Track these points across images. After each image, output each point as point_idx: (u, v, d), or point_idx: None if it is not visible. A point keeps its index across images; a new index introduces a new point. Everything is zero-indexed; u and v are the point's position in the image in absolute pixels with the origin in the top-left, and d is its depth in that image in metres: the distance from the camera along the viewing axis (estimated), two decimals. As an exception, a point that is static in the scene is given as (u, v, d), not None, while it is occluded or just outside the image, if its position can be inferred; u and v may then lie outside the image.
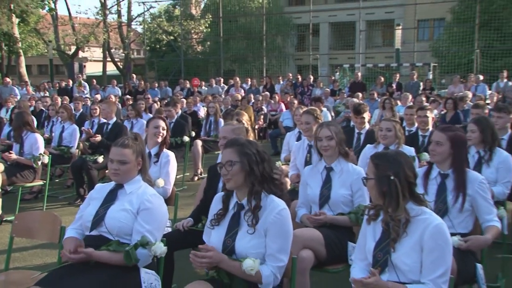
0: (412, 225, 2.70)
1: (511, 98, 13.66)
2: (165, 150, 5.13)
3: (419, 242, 2.67)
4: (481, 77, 16.36)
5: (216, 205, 3.13)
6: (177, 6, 33.33)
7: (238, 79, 19.15)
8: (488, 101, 12.71)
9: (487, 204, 3.56)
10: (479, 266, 3.30)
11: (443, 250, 2.65)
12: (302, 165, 5.18)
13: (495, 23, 24.28)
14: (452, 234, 3.37)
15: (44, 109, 11.67)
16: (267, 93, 16.02)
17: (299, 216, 4.07)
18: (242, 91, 17.75)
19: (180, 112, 9.98)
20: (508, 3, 24.56)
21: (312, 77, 18.34)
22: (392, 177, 2.70)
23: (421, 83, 16.62)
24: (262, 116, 13.94)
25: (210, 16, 30.43)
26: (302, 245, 3.47)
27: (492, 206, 3.59)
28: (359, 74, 18.44)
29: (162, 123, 5.30)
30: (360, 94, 14.11)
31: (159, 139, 5.21)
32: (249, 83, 19.17)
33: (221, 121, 9.63)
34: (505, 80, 15.49)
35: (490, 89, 15.39)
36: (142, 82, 20.29)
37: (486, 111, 7.60)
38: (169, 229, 4.19)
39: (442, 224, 2.70)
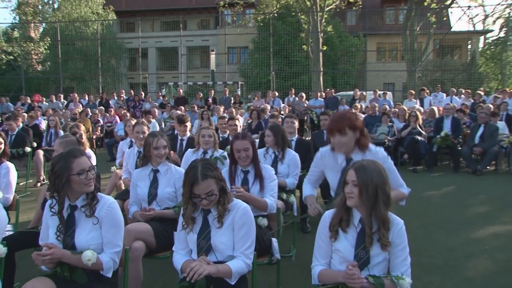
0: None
1: (298, 110, 14.80)
2: (4, 161, 4.52)
3: (232, 223, 2.75)
4: (277, 93, 17.41)
5: (47, 213, 2.85)
6: (15, 29, 30.43)
7: (76, 95, 17.98)
8: (282, 112, 13.63)
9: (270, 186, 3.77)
10: (273, 240, 3.46)
11: (249, 226, 2.76)
12: (133, 169, 4.99)
13: (285, 52, 26.23)
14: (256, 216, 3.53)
15: None
16: (102, 107, 15.30)
17: (131, 213, 3.94)
18: (81, 105, 16.77)
19: (21, 125, 9.10)
20: (292, 38, 26.72)
21: (143, 93, 17.92)
22: (221, 176, 2.80)
23: (232, 98, 17.16)
24: (99, 127, 13.36)
25: (49, 39, 28.10)
26: (134, 237, 3.37)
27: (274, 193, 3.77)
28: (181, 90, 18.49)
29: None
30: (182, 107, 14.17)
31: None
32: (87, 98, 18.14)
33: (61, 132, 9.24)
34: (293, 95, 16.64)
35: (283, 103, 16.45)
36: (-18, 98, 17.91)
37: (280, 119, 8.11)
38: (10, 232, 3.79)
39: (247, 207, 2.82)
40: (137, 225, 3.56)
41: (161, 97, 17.78)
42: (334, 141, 3.23)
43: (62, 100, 18.60)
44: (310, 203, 3.56)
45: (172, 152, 4.41)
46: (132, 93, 18.22)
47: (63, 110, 14.98)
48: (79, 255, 2.66)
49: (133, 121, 6.56)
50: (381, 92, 16.67)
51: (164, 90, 21.53)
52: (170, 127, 11.97)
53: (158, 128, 11.19)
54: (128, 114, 12.78)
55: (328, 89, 17.10)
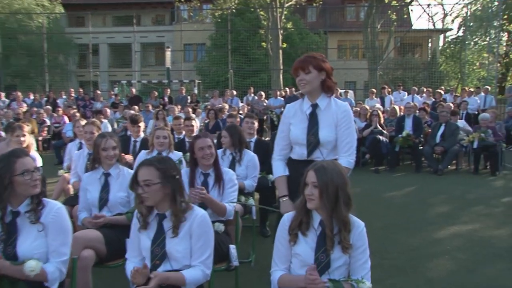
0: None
1: (257, 109, 14.85)
2: None
3: (189, 231, 2.70)
4: (235, 92, 17.41)
5: None
6: None
7: (19, 93, 17.33)
8: (240, 112, 13.63)
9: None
10: (231, 246, 3.44)
11: (208, 235, 2.74)
12: (83, 172, 4.88)
13: (243, 50, 26.24)
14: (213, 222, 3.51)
15: None
16: (49, 107, 14.83)
17: (80, 219, 3.83)
18: (25, 105, 16.17)
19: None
20: (251, 35, 26.80)
21: (99, 92, 17.46)
22: (177, 176, 2.73)
23: (188, 97, 17.01)
24: (45, 128, 12.95)
25: (-14, 33, 27.05)
26: (83, 246, 3.27)
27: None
28: (134, 89, 18.19)
29: None
30: (136, 107, 13.94)
31: None
32: (32, 97, 17.56)
33: (2, 133, 8.82)
34: (252, 94, 16.69)
35: (242, 102, 16.45)
36: None
37: (238, 119, 8.09)
38: None
39: (205, 214, 2.79)
40: (86, 232, 3.46)
41: (113, 96, 17.44)
42: (297, 80, 3.17)
43: (3, 98, 17.87)
44: (281, 193, 3.30)
45: (126, 155, 4.34)
46: (82, 92, 17.78)
47: (5, 110, 14.44)
48: (20, 265, 2.53)
49: (83, 122, 6.43)
50: (343, 90, 16.94)
51: (116, 88, 21.15)
52: (123, 128, 11.75)
53: (110, 129, 10.97)
54: (77, 114, 12.45)
55: (288, 88, 17.23)
